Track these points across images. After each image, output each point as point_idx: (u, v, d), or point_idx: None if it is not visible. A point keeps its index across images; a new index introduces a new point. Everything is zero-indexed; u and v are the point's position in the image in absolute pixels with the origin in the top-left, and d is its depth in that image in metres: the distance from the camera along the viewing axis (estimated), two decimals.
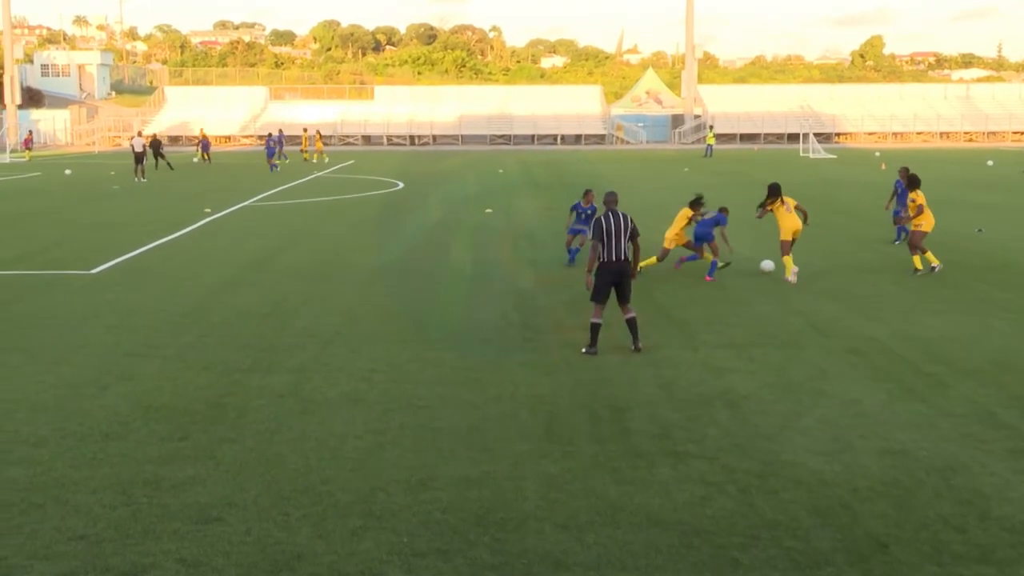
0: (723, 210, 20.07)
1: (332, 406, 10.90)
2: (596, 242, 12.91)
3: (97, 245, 24.31)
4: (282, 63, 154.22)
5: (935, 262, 19.38)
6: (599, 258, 12.90)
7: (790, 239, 19.05)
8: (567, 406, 10.87)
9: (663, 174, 52.00)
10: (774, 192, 19.23)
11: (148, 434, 9.95)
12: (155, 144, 56.69)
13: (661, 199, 35.82)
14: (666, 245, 19.43)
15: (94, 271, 20.34)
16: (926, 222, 19.46)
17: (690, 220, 19.30)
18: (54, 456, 9.32)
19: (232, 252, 23.15)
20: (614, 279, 12.99)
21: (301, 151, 66.96)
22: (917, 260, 19.37)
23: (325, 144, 66.59)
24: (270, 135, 60.65)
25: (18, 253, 23.22)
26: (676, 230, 19.22)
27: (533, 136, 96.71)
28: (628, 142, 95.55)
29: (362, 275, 19.77)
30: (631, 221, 13.06)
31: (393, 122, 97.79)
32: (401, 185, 44.66)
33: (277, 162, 57.42)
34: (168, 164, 55.92)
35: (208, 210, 31.92)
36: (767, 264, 19.83)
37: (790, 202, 19.27)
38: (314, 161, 64.94)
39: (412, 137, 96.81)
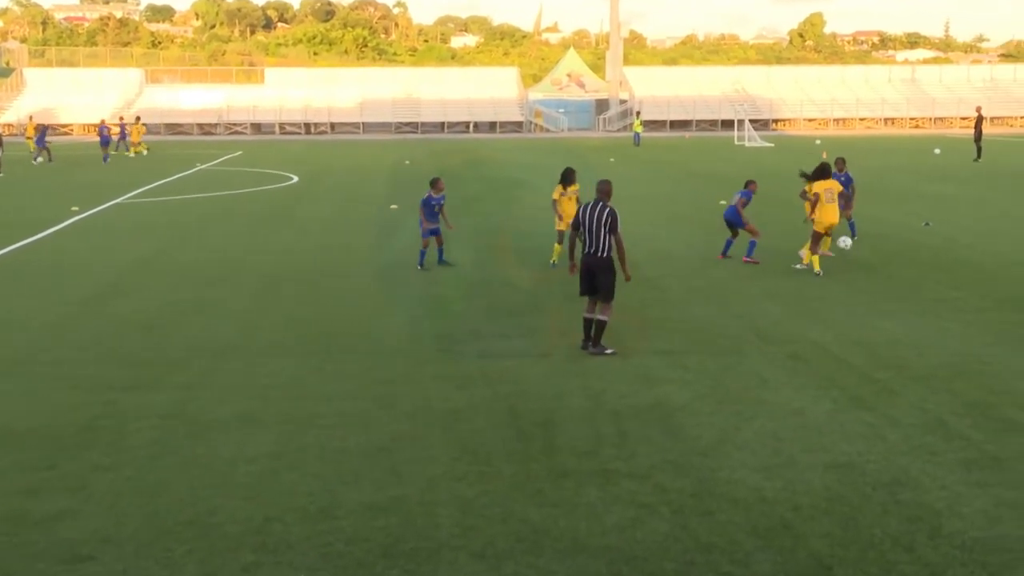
0: (748, 184, 20.68)
1: (222, 427, 10.78)
2: (573, 231, 13.75)
3: None
4: (160, 42, 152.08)
5: (807, 261, 19.68)
6: (584, 251, 13.53)
7: (823, 233, 19.22)
8: (484, 422, 10.89)
9: (588, 165, 52.20)
10: (823, 173, 19.21)
11: (9, 464, 9.74)
12: (42, 132, 56.34)
13: (586, 193, 36.02)
14: (560, 227, 20.07)
15: None
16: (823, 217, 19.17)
17: (566, 197, 19.97)
18: None
19: (106, 255, 22.76)
20: (588, 273, 13.51)
21: (131, 144, 64.57)
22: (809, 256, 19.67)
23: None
24: (103, 122, 61.67)
25: None
26: (561, 210, 19.97)
27: (443, 124, 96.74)
28: (548, 130, 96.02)
29: (257, 279, 19.59)
30: (610, 215, 13.37)
31: (286, 108, 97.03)
32: (296, 179, 44.31)
33: (112, 152, 58.42)
34: (48, 156, 55.12)
35: (75, 208, 31.32)
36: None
37: (834, 188, 19.27)
38: (131, 155, 63.33)
39: (308, 125, 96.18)
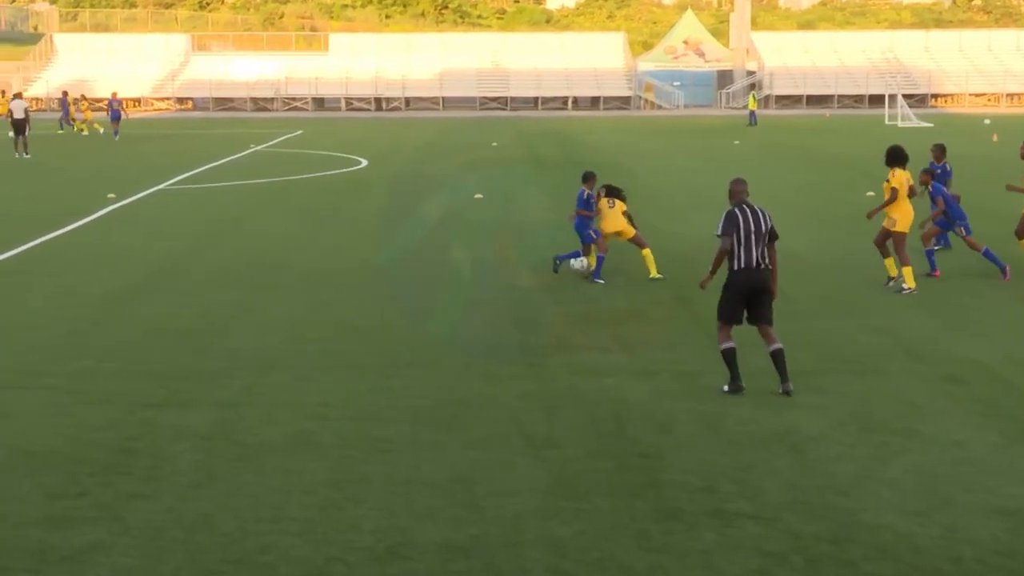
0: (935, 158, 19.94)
1: (272, 451, 10.91)
2: (727, 240, 12.74)
3: None
4: (208, 3, 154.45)
5: (894, 273, 18.71)
6: (732, 265, 12.72)
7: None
8: (579, 450, 10.88)
9: (707, 149, 52.06)
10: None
11: (31, 489, 9.95)
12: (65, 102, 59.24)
13: (706, 184, 35.89)
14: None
15: None
16: (901, 217, 18.45)
17: (612, 210, 19.44)
18: None
19: (142, 250, 23.19)
20: (749, 292, 12.78)
21: (73, 121, 67.00)
22: (891, 265, 18.80)
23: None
24: (65, 93, 65.63)
25: None
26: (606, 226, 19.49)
27: (536, 99, 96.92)
28: (660, 106, 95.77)
29: (311, 280, 19.79)
30: (770, 220, 12.89)
31: (354, 80, 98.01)
32: (365, 163, 44.73)
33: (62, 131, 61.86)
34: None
35: (112, 195, 31.94)
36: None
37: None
38: (85, 133, 65.04)
39: (379, 100, 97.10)
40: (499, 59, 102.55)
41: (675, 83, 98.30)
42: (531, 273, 20.18)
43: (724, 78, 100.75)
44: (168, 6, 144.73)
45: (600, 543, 8.76)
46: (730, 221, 12.80)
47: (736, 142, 55.46)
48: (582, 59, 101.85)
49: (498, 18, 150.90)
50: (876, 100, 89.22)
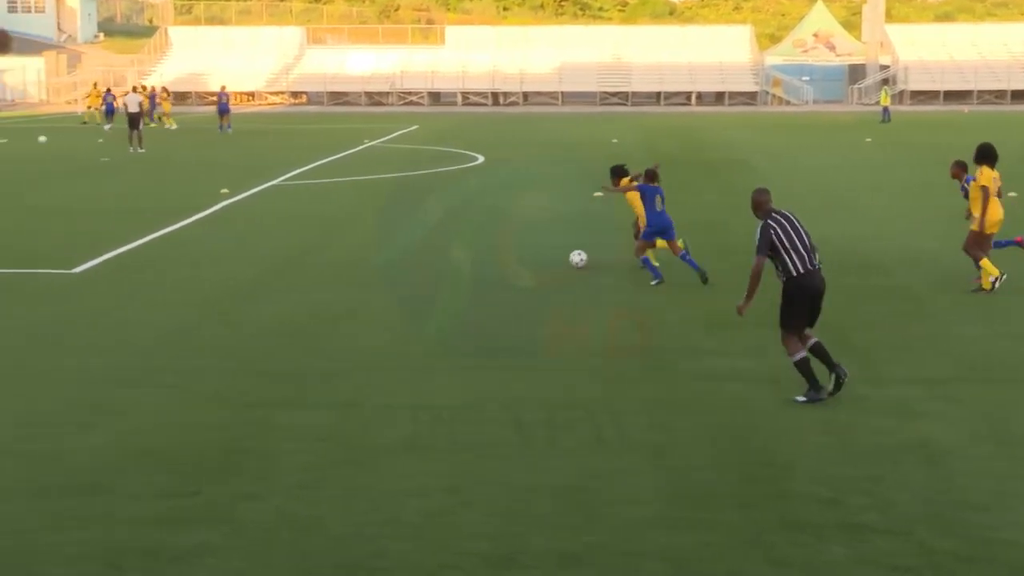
0: None
1: (386, 454, 11.01)
2: (761, 259, 12.64)
3: (80, 235, 24.91)
4: None
5: (993, 274, 18.09)
6: (791, 272, 12.58)
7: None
8: (702, 459, 10.84)
9: (838, 146, 51.50)
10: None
11: (143, 487, 10.13)
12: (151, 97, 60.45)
13: (838, 183, 35.46)
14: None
15: (76, 270, 20.84)
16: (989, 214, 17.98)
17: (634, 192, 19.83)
18: (20, 515, 9.56)
19: (255, 247, 23.54)
20: (814, 295, 12.69)
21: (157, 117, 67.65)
22: (988, 266, 18.16)
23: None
24: (108, 90, 66.22)
25: None
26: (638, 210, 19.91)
27: (658, 94, 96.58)
28: (788, 102, 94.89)
29: (427, 277, 19.93)
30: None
31: (470, 74, 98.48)
32: (481, 159, 44.96)
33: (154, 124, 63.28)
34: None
35: (225, 191, 32.45)
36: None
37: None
38: (168, 127, 65.93)
39: (496, 94, 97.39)
40: (620, 53, 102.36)
41: (804, 78, 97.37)
42: (651, 273, 20.10)
43: (856, 72, 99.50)
44: None
45: (723, 555, 8.70)
46: (764, 237, 12.64)
47: (868, 139, 54.78)
48: (706, 53, 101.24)
49: (619, 10, 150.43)
50: (1019, 96, 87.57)
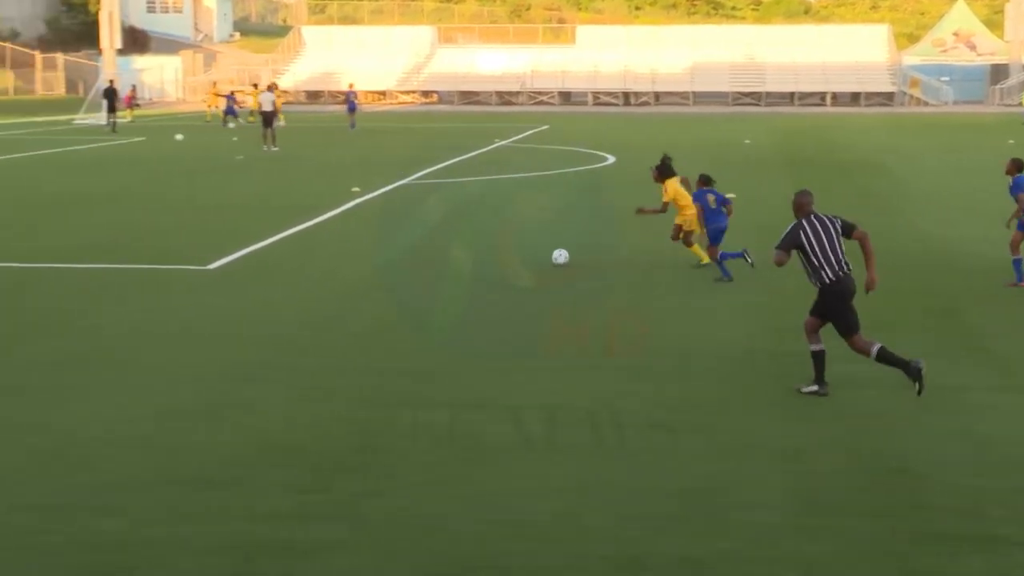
0: None
1: (513, 453, 11.05)
2: (780, 254, 13.08)
3: (214, 233, 25.39)
4: None
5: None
6: (824, 280, 12.71)
7: None
8: (832, 466, 10.72)
9: (975, 148, 50.58)
10: None
11: (277, 483, 10.27)
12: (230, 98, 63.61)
13: (979, 186, 34.76)
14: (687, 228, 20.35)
15: (210, 267, 21.23)
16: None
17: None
18: (151, 507, 9.73)
19: (386, 245, 23.76)
20: (846, 299, 12.79)
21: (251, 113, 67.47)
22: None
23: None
24: (351, 87, 67.40)
25: (113, 241, 24.44)
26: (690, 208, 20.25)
27: (792, 94, 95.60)
28: (927, 103, 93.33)
29: (556, 277, 19.96)
30: (839, 220, 13.00)
31: (602, 74, 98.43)
32: (612, 159, 44.91)
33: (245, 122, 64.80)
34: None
35: (356, 189, 32.81)
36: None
37: None
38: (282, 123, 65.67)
39: (627, 94, 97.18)
40: (754, 52, 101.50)
41: (943, 78, 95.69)
42: (788, 276, 19.89)
43: (998, 72, 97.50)
44: None
45: (856, 564, 8.58)
46: (791, 236, 12.94)
47: (1011, 141, 53.67)
48: (842, 52, 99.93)
49: (753, 9, 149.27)
50: None
